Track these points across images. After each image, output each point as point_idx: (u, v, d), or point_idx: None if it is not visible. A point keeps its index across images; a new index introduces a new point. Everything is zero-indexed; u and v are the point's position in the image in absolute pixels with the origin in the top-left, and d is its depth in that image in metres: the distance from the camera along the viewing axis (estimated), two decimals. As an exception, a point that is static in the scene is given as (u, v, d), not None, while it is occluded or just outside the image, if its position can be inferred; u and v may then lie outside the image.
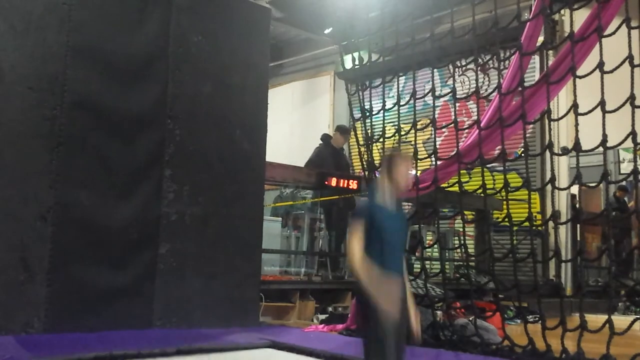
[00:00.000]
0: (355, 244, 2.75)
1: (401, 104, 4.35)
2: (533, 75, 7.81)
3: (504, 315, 3.74)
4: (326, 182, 6.08)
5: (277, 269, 6.87)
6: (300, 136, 11.39)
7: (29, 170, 3.46)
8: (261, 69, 4.59)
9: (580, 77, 3.40)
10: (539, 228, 7.30)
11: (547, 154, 3.57)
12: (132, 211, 3.80)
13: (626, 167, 8.72)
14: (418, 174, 4.38)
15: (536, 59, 8.08)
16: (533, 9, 4.19)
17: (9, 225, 3.37)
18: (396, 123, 4.30)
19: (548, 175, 3.56)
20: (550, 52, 6.98)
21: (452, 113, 4.15)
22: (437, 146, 4.24)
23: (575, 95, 3.41)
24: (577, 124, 3.34)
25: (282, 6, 9.38)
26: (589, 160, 3.72)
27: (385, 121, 4.60)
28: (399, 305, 2.73)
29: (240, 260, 4.24)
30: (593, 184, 3.72)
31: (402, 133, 4.30)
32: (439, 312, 4.24)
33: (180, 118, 4.05)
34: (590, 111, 3.26)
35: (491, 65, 4.73)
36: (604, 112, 3.22)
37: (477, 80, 4.13)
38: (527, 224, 3.68)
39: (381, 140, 4.45)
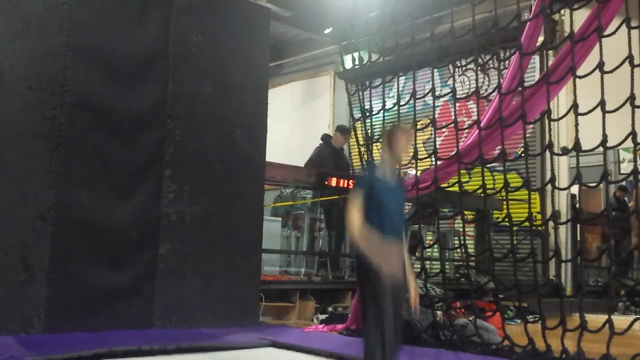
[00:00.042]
0: (355, 213, 2.77)
1: (401, 104, 4.35)
2: (533, 75, 7.80)
3: (504, 315, 3.74)
4: (326, 182, 6.07)
5: (277, 269, 6.87)
6: (300, 136, 11.38)
7: (29, 170, 3.46)
8: (261, 69, 4.59)
9: (580, 77, 3.40)
10: (539, 228, 7.29)
11: (547, 154, 3.57)
12: (132, 211, 3.80)
13: (626, 167, 8.72)
14: (418, 174, 4.38)
15: (536, 59, 8.08)
16: (533, 9, 4.19)
17: (9, 225, 3.37)
18: (396, 123, 4.30)
19: (548, 175, 3.56)
20: (550, 52, 6.98)
21: (452, 113, 4.15)
22: (437, 146, 4.24)
23: (575, 95, 3.41)
24: (577, 124, 3.34)
25: (283, 6, 9.38)
26: (589, 160, 3.72)
27: (385, 121, 4.60)
28: (399, 270, 2.74)
29: (240, 260, 4.24)
30: (593, 184, 3.72)
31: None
32: (439, 312, 4.24)
33: (180, 118, 4.05)
34: (590, 111, 3.26)
35: (491, 65, 4.73)
36: (604, 112, 3.22)
37: (477, 80, 4.13)
38: (527, 224, 3.68)
39: (381, 140, 4.45)
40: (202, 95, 4.18)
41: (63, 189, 3.54)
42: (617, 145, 3.29)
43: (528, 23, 4.08)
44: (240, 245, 4.26)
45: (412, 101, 4.28)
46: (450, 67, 4.47)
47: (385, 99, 4.58)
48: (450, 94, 4.15)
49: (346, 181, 6.15)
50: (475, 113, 4.54)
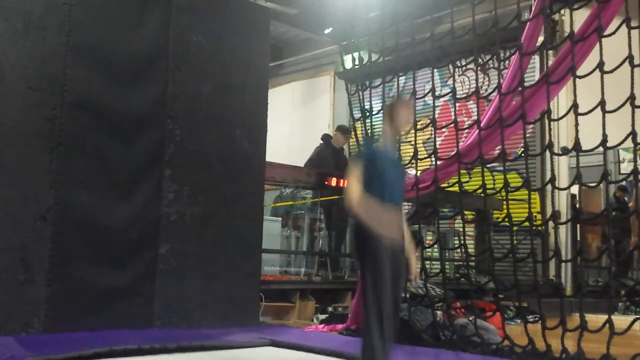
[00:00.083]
0: (354, 183, 2.80)
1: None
2: (533, 75, 7.80)
3: (504, 315, 3.74)
4: (326, 182, 6.08)
5: (277, 269, 6.87)
6: (301, 136, 11.38)
7: (29, 170, 3.46)
8: (261, 69, 4.59)
9: (580, 77, 3.40)
10: (539, 228, 7.29)
11: (547, 154, 3.57)
12: (132, 211, 3.80)
13: (626, 167, 8.72)
14: (418, 174, 4.38)
15: (536, 59, 8.08)
16: (533, 9, 4.19)
17: (9, 225, 3.37)
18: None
19: (548, 175, 3.56)
20: (550, 52, 6.98)
21: (452, 113, 4.15)
22: (437, 146, 4.24)
23: (575, 95, 3.41)
24: (577, 124, 3.34)
25: (285, 4, 9.37)
26: (589, 160, 3.72)
27: (385, 121, 4.60)
28: (398, 236, 2.75)
29: (240, 260, 4.24)
30: (593, 184, 3.72)
31: (402, 133, 4.30)
32: (439, 312, 4.24)
33: (180, 118, 4.05)
34: (590, 111, 3.26)
35: (491, 65, 4.73)
36: (604, 112, 3.22)
37: (477, 80, 4.13)
38: (527, 224, 3.68)
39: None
40: (202, 95, 4.18)
41: (63, 189, 3.54)
42: (617, 145, 3.29)
43: (528, 23, 4.08)
44: (240, 245, 4.26)
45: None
46: (450, 67, 4.47)
47: (385, 99, 4.58)
48: (450, 94, 4.15)
49: (346, 181, 6.14)
50: (475, 113, 4.54)
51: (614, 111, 3.17)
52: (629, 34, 3.26)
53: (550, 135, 4.93)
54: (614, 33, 3.31)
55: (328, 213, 7.34)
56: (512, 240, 3.78)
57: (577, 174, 3.36)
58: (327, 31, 10.18)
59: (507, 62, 4.55)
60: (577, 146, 3.33)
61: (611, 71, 3.23)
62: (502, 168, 3.84)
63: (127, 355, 2.94)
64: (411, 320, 3.89)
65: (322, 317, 5.32)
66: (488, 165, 4.64)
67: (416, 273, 3.09)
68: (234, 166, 4.29)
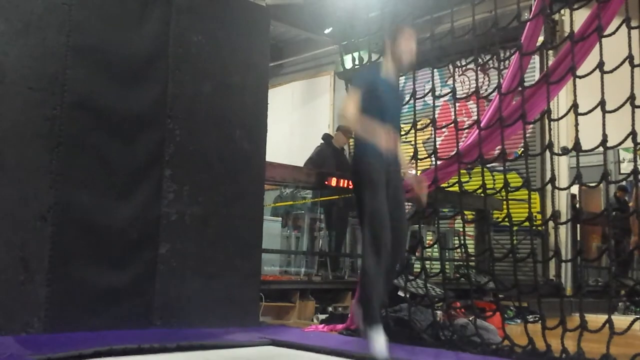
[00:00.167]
0: (351, 101, 2.82)
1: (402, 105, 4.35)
2: (533, 75, 7.81)
3: (504, 315, 3.74)
4: (326, 182, 6.08)
5: (277, 269, 6.88)
6: (301, 136, 11.40)
7: (29, 170, 3.46)
8: (261, 69, 4.59)
9: (580, 77, 3.40)
10: (539, 228, 7.30)
11: (547, 154, 3.57)
12: (132, 211, 3.80)
13: (626, 167, 8.73)
14: (418, 174, 4.38)
15: (536, 59, 8.09)
16: (533, 9, 4.19)
17: (9, 225, 3.37)
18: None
19: (548, 175, 3.55)
20: (550, 52, 6.98)
21: (452, 113, 4.15)
22: (437, 146, 4.24)
23: (575, 95, 3.41)
24: (577, 124, 3.34)
25: (283, 7, 9.38)
26: (589, 160, 3.72)
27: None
28: (393, 147, 2.78)
29: (240, 260, 4.24)
30: (593, 184, 3.72)
31: (402, 133, 4.31)
32: (439, 312, 4.24)
33: (180, 118, 4.05)
34: (590, 111, 3.26)
35: (491, 65, 4.73)
36: (604, 112, 3.22)
37: (477, 80, 4.13)
38: (527, 224, 3.68)
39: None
40: (202, 95, 4.18)
41: (63, 189, 3.54)
42: (617, 145, 3.29)
43: (528, 23, 4.09)
44: (240, 245, 4.26)
45: (412, 101, 4.28)
46: (450, 67, 4.47)
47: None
48: (450, 94, 4.15)
49: (346, 181, 6.16)
50: (475, 113, 4.54)
51: (614, 111, 3.17)
52: (629, 34, 3.26)
53: (550, 135, 4.93)
54: (614, 33, 3.31)
55: (328, 213, 7.34)
56: (512, 240, 3.79)
57: (577, 174, 3.36)
58: (327, 31, 10.19)
59: (507, 62, 4.55)
60: (577, 146, 3.33)
61: (611, 71, 3.23)
62: (502, 168, 3.84)
63: (127, 354, 2.94)
64: (411, 320, 3.89)
65: (322, 317, 5.32)
66: (488, 165, 4.64)
67: (423, 198, 3.13)
68: (234, 166, 4.29)
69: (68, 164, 3.58)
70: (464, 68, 7.45)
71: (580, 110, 3.32)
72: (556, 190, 3.46)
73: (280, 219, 7.50)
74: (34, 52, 3.52)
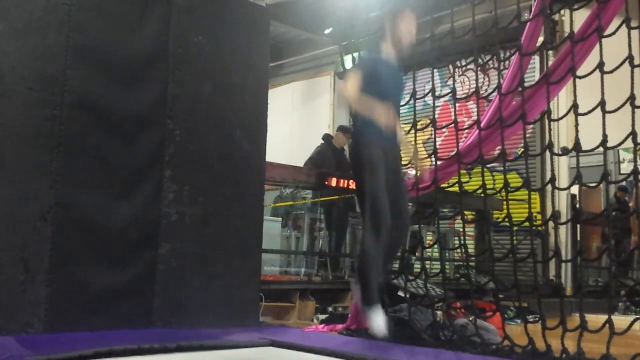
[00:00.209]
0: (351, 82, 2.84)
1: (401, 104, 4.35)
2: (533, 75, 7.82)
3: (504, 315, 3.74)
4: (326, 183, 6.08)
5: (277, 269, 6.89)
6: (301, 136, 11.40)
7: (29, 170, 3.46)
8: (261, 69, 4.59)
9: (580, 78, 3.40)
10: (539, 228, 7.30)
11: (547, 154, 3.56)
12: (132, 211, 3.80)
13: (626, 167, 8.74)
14: (418, 174, 4.38)
15: (536, 59, 8.09)
16: (533, 9, 4.19)
17: (9, 225, 3.37)
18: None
19: (548, 176, 3.55)
20: (550, 52, 6.98)
21: (452, 113, 4.15)
22: (437, 146, 4.24)
23: (575, 96, 3.41)
24: (577, 124, 3.34)
25: (283, 7, 9.38)
26: (589, 160, 3.72)
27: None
28: (393, 125, 2.81)
29: (240, 260, 4.24)
30: (593, 184, 3.72)
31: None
32: (439, 312, 4.24)
33: (180, 118, 4.05)
34: (590, 111, 3.26)
35: (491, 66, 4.73)
36: (604, 112, 3.22)
37: (477, 80, 4.13)
38: (527, 224, 3.68)
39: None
40: (202, 95, 4.18)
41: (63, 189, 3.54)
42: (617, 146, 3.29)
43: (528, 23, 4.09)
44: (240, 245, 4.26)
45: (412, 101, 4.28)
46: (450, 67, 4.47)
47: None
48: (450, 94, 4.15)
49: (346, 181, 6.16)
50: (475, 113, 4.54)
51: (614, 111, 3.17)
52: (629, 34, 3.25)
53: (550, 135, 4.92)
54: (614, 33, 3.30)
55: (328, 213, 7.35)
56: (512, 240, 3.78)
57: (577, 174, 3.35)
58: (327, 31, 10.19)
59: (507, 62, 4.55)
60: (577, 146, 3.33)
61: (611, 71, 3.23)
62: (502, 168, 3.84)
63: (127, 354, 2.93)
64: (411, 320, 3.89)
65: (322, 317, 5.33)
66: (488, 166, 4.64)
67: (423, 170, 3.17)
68: (234, 166, 4.29)
69: (68, 164, 3.57)
70: (464, 68, 7.46)
71: (580, 111, 3.32)
72: (556, 191, 3.46)
73: (280, 219, 7.51)
74: (34, 52, 3.52)
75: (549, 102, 3.62)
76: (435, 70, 4.34)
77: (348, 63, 5.00)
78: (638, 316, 3.16)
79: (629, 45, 3.24)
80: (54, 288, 3.46)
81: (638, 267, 8.52)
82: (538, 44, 4.33)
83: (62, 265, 3.50)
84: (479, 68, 4.21)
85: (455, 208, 6.54)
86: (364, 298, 3.18)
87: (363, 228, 2.91)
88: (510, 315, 5.46)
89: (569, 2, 3.60)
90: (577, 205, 8.33)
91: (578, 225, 7.79)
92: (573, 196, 8.11)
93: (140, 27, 3.96)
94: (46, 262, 3.45)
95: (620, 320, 3.08)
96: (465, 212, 5.22)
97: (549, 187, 3.47)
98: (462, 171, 4.22)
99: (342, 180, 6.16)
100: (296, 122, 11.86)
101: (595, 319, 3.17)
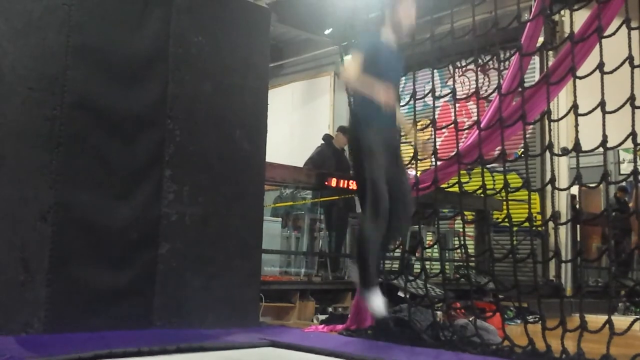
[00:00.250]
0: (353, 63, 2.87)
1: (401, 104, 4.35)
2: (533, 75, 7.82)
3: (504, 315, 3.74)
4: (326, 183, 6.08)
5: (277, 270, 6.88)
6: (301, 136, 11.40)
7: (29, 170, 3.46)
8: (261, 70, 4.59)
9: (580, 78, 3.40)
10: (539, 228, 7.30)
11: (547, 154, 3.56)
12: (132, 211, 3.80)
13: (626, 168, 8.74)
14: (418, 175, 4.38)
15: (536, 59, 8.09)
16: (533, 9, 4.19)
17: (9, 226, 3.37)
18: None
19: (548, 176, 3.55)
20: (550, 52, 6.98)
21: (452, 114, 4.15)
22: (437, 147, 4.24)
23: (575, 96, 3.41)
24: (577, 125, 3.34)
25: (282, 7, 9.38)
26: (589, 160, 3.72)
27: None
28: (392, 102, 2.85)
29: (240, 260, 4.24)
30: (593, 185, 3.72)
31: (402, 133, 4.30)
32: (439, 313, 4.24)
33: (180, 118, 4.05)
34: (590, 112, 3.26)
35: (491, 66, 4.73)
36: (604, 112, 3.22)
37: (477, 80, 4.13)
38: (527, 224, 3.68)
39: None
40: (202, 96, 4.18)
41: (63, 189, 3.54)
42: (617, 146, 3.28)
43: (528, 24, 4.08)
44: (240, 246, 4.26)
45: (412, 102, 4.27)
46: (450, 67, 4.47)
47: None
48: (450, 95, 4.15)
49: (346, 182, 6.16)
50: (475, 114, 4.54)
51: (614, 112, 3.17)
52: (629, 34, 3.25)
53: (550, 135, 4.93)
54: (614, 34, 3.30)
55: (328, 213, 7.35)
56: (512, 240, 3.78)
57: (577, 175, 3.35)
58: (327, 32, 10.18)
59: (507, 62, 4.55)
60: (577, 147, 3.33)
61: (611, 72, 3.23)
62: (502, 168, 3.84)
63: (127, 356, 2.93)
64: (411, 321, 3.89)
65: (322, 317, 5.33)
66: (488, 166, 4.64)
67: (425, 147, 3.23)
68: (234, 166, 4.29)
69: (68, 164, 3.58)
70: (464, 69, 7.46)
71: (580, 111, 3.32)
72: (556, 191, 3.46)
73: (280, 219, 7.51)
74: (34, 52, 3.52)
75: (549, 102, 3.62)
76: (435, 70, 4.34)
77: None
78: (638, 316, 3.16)
79: (629, 46, 3.24)
80: (54, 288, 3.46)
81: (638, 267, 8.52)
82: (538, 45, 4.33)
83: (62, 265, 3.50)
84: (479, 69, 4.21)
85: (455, 208, 6.54)
86: (363, 281, 3.24)
87: (362, 212, 2.94)
88: (510, 315, 5.46)
89: (569, 3, 3.60)
90: (577, 206, 8.33)
91: (578, 226, 7.79)
92: (573, 196, 8.11)
93: (140, 27, 3.96)
94: (46, 262, 3.45)
95: (620, 321, 3.08)
96: (465, 213, 5.22)
97: (549, 188, 3.47)
98: (462, 171, 4.22)
99: (342, 181, 6.16)
100: (296, 123, 11.86)
101: (595, 320, 3.17)
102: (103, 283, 3.64)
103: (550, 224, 3.88)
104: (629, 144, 3.18)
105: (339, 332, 4.20)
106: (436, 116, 4.46)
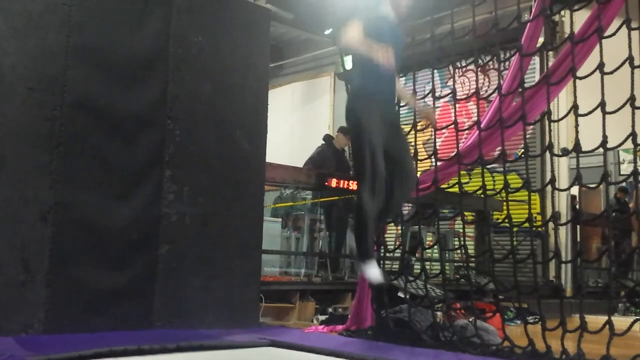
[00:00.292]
0: (353, 28, 2.90)
1: (401, 104, 4.35)
2: (533, 76, 7.82)
3: (504, 316, 3.74)
4: (326, 183, 6.08)
5: (277, 270, 6.88)
6: (301, 137, 11.40)
7: (29, 170, 3.46)
8: (261, 70, 4.59)
9: (580, 78, 3.40)
10: (539, 229, 7.30)
11: (547, 155, 3.56)
12: (132, 211, 3.80)
13: (626, 168, 8.73)
14: (418, 175, 4.38)
15: (536, 60, 8.09)
16: (533, 10, 4.19)
17: (9, 226, 3.37)
18: None
19: (548, 176, 3.55)
20: (551, 53, 6.98)
21: (452, 114, 4.15)
22: (437, 147, 4.24)
23: (575, 97, 3.41)
24: (577, 125, 3.34)
25: (284, 7, 9.39)
26: (589, 161, 3.72)
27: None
28: (391, 61, 2.87)
29: (240, 261, 4.24)
30: (593, 185, 3.72)
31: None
32: (439, 313, 4.24)
33: (180, 118, 4.05)
34: (590, 112, 3.26)
35: (491, 66, 4.73)
36: (604, 113, 3.22)
37: (477, 81, 4.13)
38: (527, 225, 3.67)
39: None
40: (202, 96, 4.18)
41: (63, 189, 3.54)
42: (617, 147, 3.28)
43: (528, 24, 4.08)
44: (240, 246, 4.26)
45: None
46: (450, 68, 4.47)
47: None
48: (450, 95, 4.15)
49: (346, 182, 6.16)
50: (475, 114, 4.54)
51: (614, 112, 3.17)
52: (629, 35, 3.25)
53: (550, 136, 4.93)
54: (614, 34, 3.30)
55: (328, 214, 7.34)
56: (512, 241, 3.78)
57: (577, 175, 3.35)
58: (327, 32, 10.18)
59: (507, 63, 4.54)
60: (577, 147, 3.33)
61: (611, 72, 3.22)
62: (502, 169, 3.84)
63: (127, 355, 2.93)
64: (411, 321, 3.89)
65: (322, 318, 5.32)
66: (488, 166, 4.64)
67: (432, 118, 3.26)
68: (234, 167, 4.29)
69: (68, 164, 3.58)
70: (464, 69, 7.45)
71: (580, 112, 3.32)
72: (556, 192, 3.45)
73: (280, 219, 7.51)
74: (34, 52, 3.52)
75: (549, 103, 3.62)
76: (435, 71, 4.34)
77: (348, 64, 5.00)
78: (638, 317, 3.16)
79: (629, 46, 3.24)
80: (54, 288, 3.46)
81: (638, 268, 8.52)
82: (538, 45, 4.33)
83: (62, 265, 3.50)
84: (479, 69, 4.20)
85: (455, 209, 6.54)
86: (360, 252, 3.30)
87: (359, 184, 2.97)
88: (510, 316, 5.46)
89: (569, 3, 3.59)
90: (577, 206, 8.33)
91: (578, 226, 7.79)
92: (573, 197, 8.11)
93: (140, 27, 3.96)
94: (46, 263, 3.45)
95: (620, 321, 3.08)
96: (465, 213, 5.21)
97: (549, 188, 3.47)
98: (462, 172, 4.22)
99: (342, 181, 6.16)
100: (296, 123, 11.86)
101: (595, 320, 3.17)
102: (103, 283, 3.64)
103: (551, 225, 3.89)
104: (629, 144, 3.18)
105: (339, 332, 4.20)
106: (436, 116, 4.46)
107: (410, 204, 6.50)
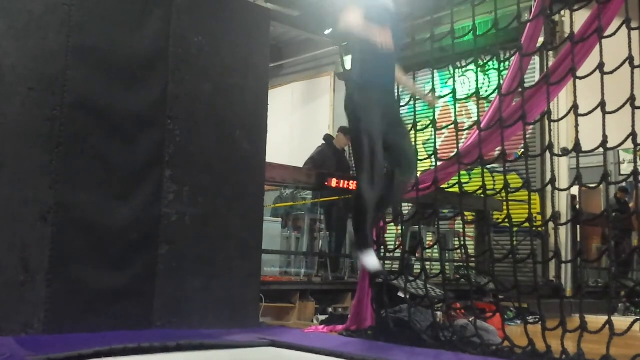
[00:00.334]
0: (352, 14, 2.91)
1: (401, 104, 4.35)
2: (533, 76, 7.82)
3: (504, 316, 3.74)
4: (326, 183, 6.08)
5: (277, 270, 6.88)
6: (301, 137, 11.40)
7: (29, 170, 3.46)
8: (261, 70, 4.59)
9: (580, 78, 3.40)
10: (539, 229, 7.30)
11: (547, 154, 3.56)
12: (132, 211, 3.80)
13: (626, 168, 8.73)
14: (418, 175, 4.38)
15: (536, 59, 8.09)
16: (533, 10, 4.19)
17: (9, 226, 3.37)
18: None
19: (548, 176, 3.55)
20: (551, 53, 6.99)
21: (452, 114, 4.15)
22: (437, 147, 4.24)
23: (575, 96, 3.41)
24: (577, 125, 3.34)
25: (285, 6, 9.38)
26: (589, 161, 3.72)
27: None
28: (389, 42, 2.90)
29: (240, 260, 4.24)
30: (593, 185, 3.72)
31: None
32: (439, 313, 4.24)
33: (180, 118, 4.05)
34: (590, 112, 3.26)
35: (491, 66, 4.73)
36: (604, 113, 3.22)
37: (477, 81, 4.13)
38: (527, 225, 3.68)
39: None
40: (202, 96, 4.18)
41: (63, 189, 3.54)
42: (617, 146, 3.28)
43: (528, 24, 4.08)
44: (240, 246, 4.26)
45: (412, 102, 4.27)
46: (450, 68, 4.47)
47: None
48: (450, 95, 4.15)
49: (346, 182, 6.16)
50: (475, 114, 4.54)
51: (614, 112, 3.17)
52: (629, 35, 3.25)
53: (550, 136, 4.93)
54: (614, 34, 3.30)
55: (328, 214, 7.35)
56: (512, 241, 3.78)
57: (577, 175, 3.35)
58: (327, 32, 10.18)
59: (507, 63, 4.54)
60: (577, 147, 3.33)
61: (611, 72, 3.22)
62: (502, 169, 3.84)
63: (127, 354, 2.93)
64: (411, 321, 3.89)
65: (322, 317, 5.32)
66: (488, 166, 4.64)
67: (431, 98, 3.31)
68: (234, 167, 4.29)
69: (68, 164, 3.58)
70: (464, 69, 7.46)
71: (580, 111, 3.32)
72: (556, 191, 3.45)
73: (280, 219, 7.51)
74: (34, 52, 3.52)
75: (549, 102, 3.62)
76: (435, 71, 4.34)
77: (348, 64, 5.00)
78: (638, 317, 3.16)
79: (629, 46, 3.24)
80: (54, 288, 3.46)
81: (638, 268, 8.52)
82: (538, 45, 4.33)
83: (62, 265, 3.50)
84: (479, 69, 4.20)
85: (456, 209, 6.54)
86: (358, 241, 3.31)
87: (358, 173, 2.99)
88: (510, 316, 5.46)
89: (569, 3, 3.59)
90: (577, 206, 8.33)
91: (578, 226, 7.79)
92: (573, 197, 8.11)
93: (140, 27, 3.96)
94: (46, 263, 3.45)
95: (620, 321, 3.08)
96: (466, 213, 5.22)
97: (549, 188, 3.47)
98: (462, 172, 4.22)
99: (342, 181, 6.16)
100: (296, 123, 11.86)
101: (595, 320, 3.16)
102: (103, 283, 3.64)
103: (551, 225, 3.88)
104: (629, 144, 3.18)
105: (339, 332, 4.20)
106: (436, 116, 4.46)
107: (410, 204, 6.50)
